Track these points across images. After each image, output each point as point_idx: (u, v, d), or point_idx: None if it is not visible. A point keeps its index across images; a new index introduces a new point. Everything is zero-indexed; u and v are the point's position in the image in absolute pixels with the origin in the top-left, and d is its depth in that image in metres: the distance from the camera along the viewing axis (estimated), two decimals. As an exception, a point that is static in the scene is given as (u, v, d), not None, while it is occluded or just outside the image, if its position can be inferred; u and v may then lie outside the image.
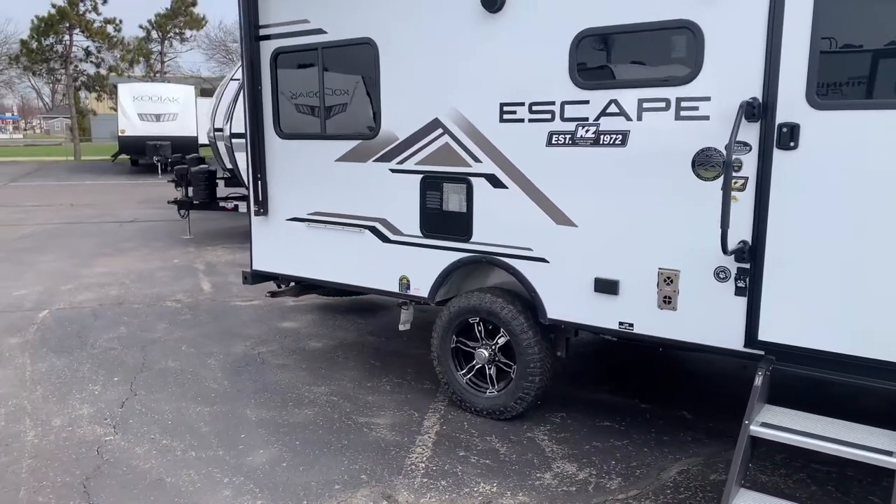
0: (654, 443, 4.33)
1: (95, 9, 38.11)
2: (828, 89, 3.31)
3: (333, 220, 5.27)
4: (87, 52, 39.49)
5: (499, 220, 4.41)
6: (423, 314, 6.04)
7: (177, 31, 42.86)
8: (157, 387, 5.32)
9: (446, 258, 4.68)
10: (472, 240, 4.55)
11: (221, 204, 12.48)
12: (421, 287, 4.86)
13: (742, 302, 3.61)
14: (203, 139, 30.37)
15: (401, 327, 5.55)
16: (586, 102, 3.97)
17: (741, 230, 3.52)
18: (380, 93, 4.85)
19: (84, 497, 3.74)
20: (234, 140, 11.23)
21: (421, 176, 4.72)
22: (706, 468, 4.01)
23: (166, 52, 43.80)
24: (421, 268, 4.83)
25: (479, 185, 4.45)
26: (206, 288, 8.66)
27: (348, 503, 3.67)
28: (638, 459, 4.12)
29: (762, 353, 3.58)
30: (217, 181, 12.59)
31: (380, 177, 4.94)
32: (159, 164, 26.85)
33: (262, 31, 5.42)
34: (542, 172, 4.18)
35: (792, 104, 3.34)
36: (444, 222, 4.66)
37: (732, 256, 3.55)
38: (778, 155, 3.41)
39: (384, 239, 5.01)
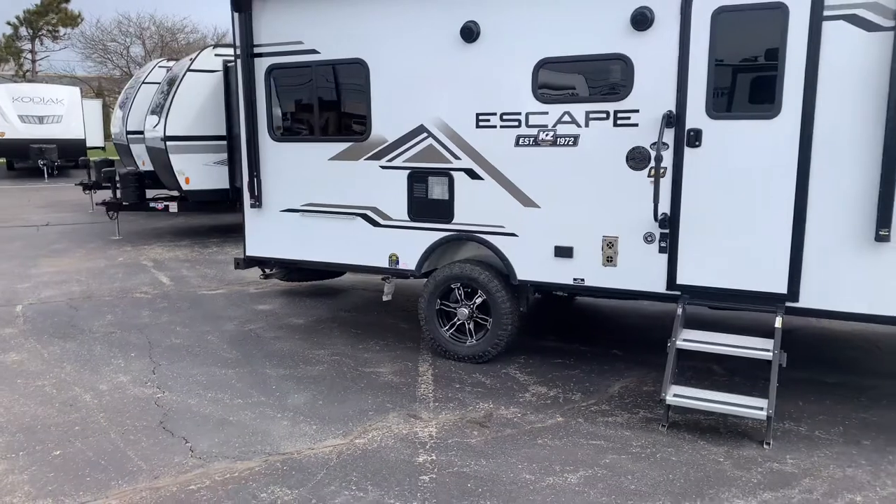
0: (597, 371, 5.69)
1: (-44, 3, 35.65)
2: (717, 104, 4.77)
3: (327, 210, 6.28)
4: (-52, 50, 36.88)
5: (476, 205, 5.62)
6: (379, 293, 7.09)
7: (49, 28, 40.75)
8: (175, 358, 6.11)
9: (431, 237, 5.84)
10: (453, 221, 5.73)
11: (152, 205, 12.85)
12: (409, 262, 5.98)
13: (664, 257, 5.03)
14: (95, 142, 29.46)
15: (384, 298, 6.64)
16: (546, 113, 5.26)
17: (663, 205, 4.93)
18: (370, 103, 5.92)
19: (167, 433, 4.60)
20: (169, 143, 11.69)
21: (408, 171, 5.85)
22: (639, 384, 5.42)
23: (37, 51, 41.50)
24: (409, 246, 5.95)
25: (459, 177, 5.65)
26: (165, 281, 9.26)
27: (384, 422, 4.76)
28: (589, 381, 5.47)
29: (679, 293, 5.01)
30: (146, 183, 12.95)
31: (371, 172, 6.02)
32: (45, 168, 25.87)
33: (257, 50, 6.33)
34: (512, 167, 5.44)
35: (696, 115, 4.78)
36: (429, 208, 5.81)
37: (658, 224, 4.95)
38: (688, 151, 4.84)
39: (374, 224, 6.09)
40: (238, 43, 6.35)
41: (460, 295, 5.87)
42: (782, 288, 4.71)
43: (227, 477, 4.03)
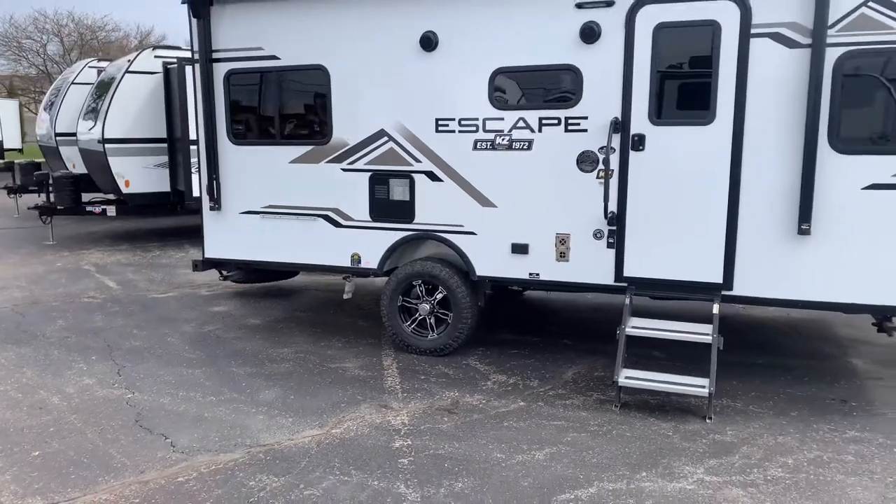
0: (550, 359, 6.09)
1: None
2: (659, 112, 5.23)
3: (288, 212, 6.44)
4: None
5: (436, 206, 5.92)
6: (333, 293, 7.29)
7: (-44, 24, 38.51)
8: (138, 360, 6.15)
9: (393, 237, 6.10)
10: (415, 221, 6.01)
11: (88, 209, 12.55)
12: (371, 261, 6.22)
13: (612, 252, 5.45)
14: (12, 143, 28.15)
15: (345, 296, 6.85)
16: (502, 119, 5.61)
17: (611, 204, 5.36)
18: (331, 108, 6.13)
19: (145, 431, 4.70)
20: (107, 145, 11.49)
21: (370, 173, 6.09)
22: (591, 370, 5.84)
23: (-58, 48, 39.21)
24: (371, 245, 6.19)
25: (420, 179, 5.93)
26: (112, 286, 9.15)
27: (357, 413, 4.99)
28: (544, 369, 5.86)
29: (626, 284, 5.44)
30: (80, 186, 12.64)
31: (332, 175, 6.23)
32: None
33: (216, 55, 6.44)
34: (470, 169, 5.77)
35: (640, 121, 5.22)
36: (390, 209, 6.07)
37: (607, 221, 5.38)
38: (633, 155, 5.28)
39: (336, 224, 6.30)
40: (196, 48, 6.43)
41: (421, 291, 6.15)
42: (718, 278, 5.20)
43: (212, 468, 4.19)
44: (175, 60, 11.36)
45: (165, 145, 12.00)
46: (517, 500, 3.83)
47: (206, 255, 6.91)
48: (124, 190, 11.72)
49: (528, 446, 4.46)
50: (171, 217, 14.02)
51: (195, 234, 12.94)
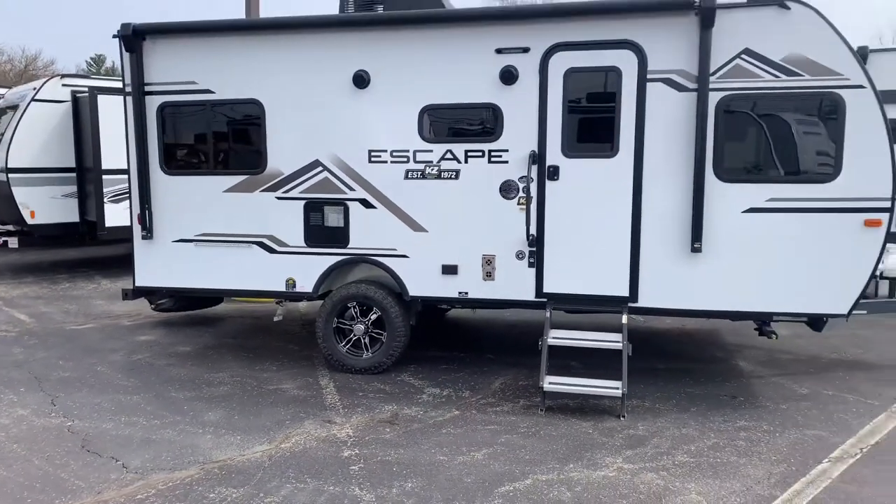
0: (478, 372, 6.56)
1: None
2: (570, 145, 5.88)
3: (222, 239, 6.64)
4: None
5: (370, 231, 6.31)
6: (258, 319, 7.50)
7: None
8: (71, 389, 6.13)
9: (328, 261, 6.43)
10: (349, 246, 6.37)
11: (-12, 240, 12.03)
12: (306, 285, 6.51)
13: (533, 271, 6.02)
14: None
15: (275, 319, 7.09)
16: (431, 151, 6.10)
17: (531, 227, 5.94)
18: (266, 139, 6.42)
19: (94, 455, 4.78)
20: (11, 175, 11.13)
21: (304, 201, 6.41)
22: (515, 380, 6.35)
23: None
24: (306, 270, 6.49)
25: (354, 206, 6.32)
26: (24, 318, 8.90)
27: (302, 428, 5.26)
28: (473, 380, 6.32)
29: (546, 299, 6.02)
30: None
31: (266, 203, 6.50)
32: None
33: (149, 88, 6.60)
34: (402, 197, 6.21)
35: (555, 154, 5.85)
36: (325, 235, 6.40)
37: (528, 243, 5.95)
38: (549, 183, 5.89)
39: (271, 251, 6.56)
40: (129, 81, 6.57)
41: (356, 313, 6.49)
42: (625, 291, 5.87)
43: (170, 485, 4.35)
44: (86, 89, 11.22)
45: (74, 175, 11.76)
46: (463, 494, 4.24)
47: (137, 284, 6.96)
48: (29, 221, 11.36)
49: (466, 448, 4.89)
50: (77, 248, 13.62)
51: (106, 266, 12.73)
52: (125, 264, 12.53)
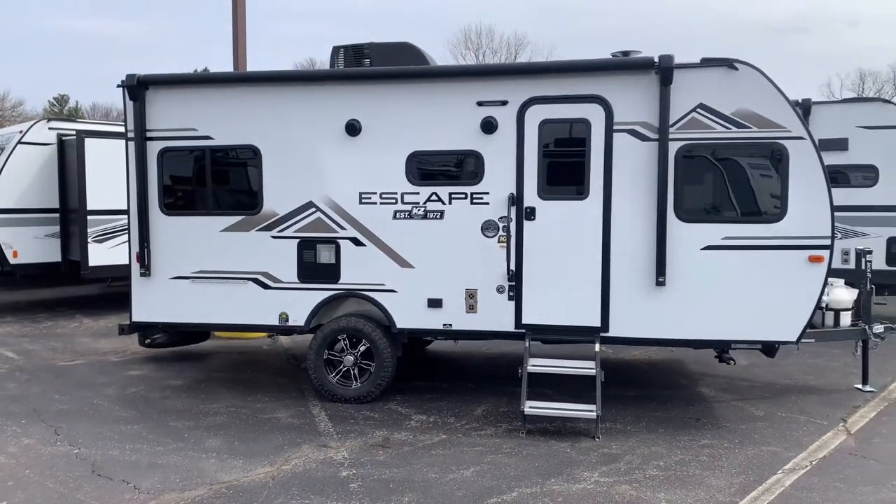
0: (461, 400, 6.98)
1: None
2: (545, 189, 6.45)
3: (218, 276, 7.01)
4: None
5: (360, 267, 6.76)
6: (244, 355, 7.87)
7: None
8: (72, 420, 6.37)
9: (319, 296, 6.84)
10: (340, 282, 6.80)
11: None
12: (298, 319, 6.90)
13: (512, 304, 6.52)
14: None
15: (266, 347, 7.41)
16: (417, 193, 6.62)
17: (511, 263, 6.45)
18: (262, 182, 6.88)
19: (105, 479, 5.06)
20: (-5, 215, 11.33)
21: (298, 240, 6.85)
22: (497, 406, 6.78)
23: None
24: (298, 305, 6.88)
25: (345, 245, 6.77)
26: (12, 356, 9.05)
27: (300, 452, 5.60)
28: (458, 407, 6.74)
29: (524, 330, 6.51)
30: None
31: (262, 242, 6.91)
32: None
33: (150, 134, 7.02)
34: (390, 236, 6.68)
35: (531, 196, 6.41)
36: (317, 271, 6.83)
37: (507, 278, 6.45)
38: (526, 223, 6.44)
39: (265, 287, 6.95)
40: (132, 127, 6.99)
41: (346, 345, 6.89)
42: (597, 322, 6.39)
43: (182, 503, 4.67)
44: (73, 133, 11.55)
45: (57, 215, 11.99)
46: (456, 505, 4.65)
47: (135, 319, 7.25)
48: (12, 260, 11.53)
49: (456, 467, 5.29)
50: (56, 288, 13.74)
51: (86, 305, 12.88)
52: (105, 303, 12.81)
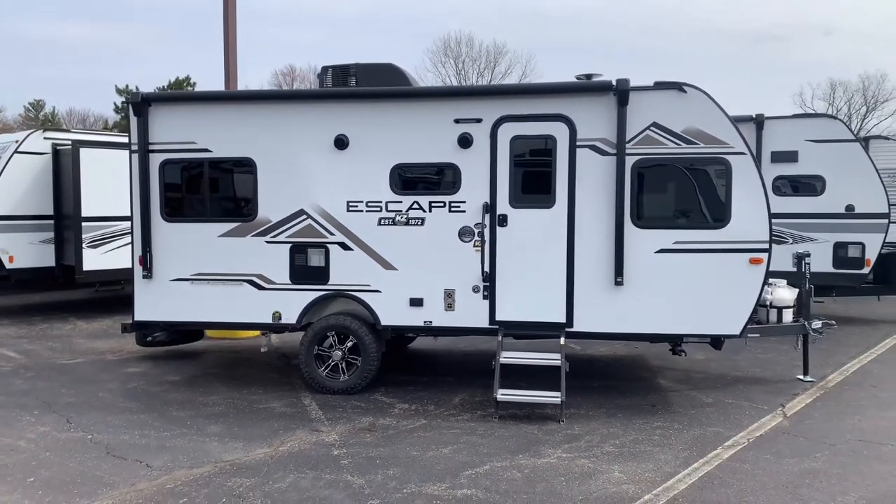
0: (440, 391, 7.62)
1: None
2: (516, 198, 7.13)
3: (216, 278, 7.60)
4: None
5: (348, 270, 7.39)
6: (236, 354, 8.40)
7: None
8: (81, 411, 6.91)
9: (310, 296, 7.46)
10: (329, 283, 7.42)
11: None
12: (290, 318, 7.51)
13: (487, 302, 7.19)
14: None
15: (262, 349, 8.02)
16: (400, 202, 7.27)
17: (485, 266, 7.12)
18: (257, 191, 7.48)
19: (120, 459, 5.63)
20: (-7, 221, 11.77)
21: (290, 245, 7.46)
22: (472, 396, 7.44)
23: None
24: (290, 304, 7.49)
25: (334, 249, 7.40)
26: (14, 355, 9.53)
27: (294, 436, 6.21)
28: (437, 398, 7.38)
29: (498, 326, 7.17)
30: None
31: (256, 246, 7.52)
32: None
33: (153, 147, 7.60)
34: (375, 240, 7.32)
35: (503, 205, 7.09)
36: (308, 273, 7.45)
37: (482, 279, 7.12)
38: (499, 229, 7.12)
39: (259, 287, 7.55)
40: (136, 140, 7.56)
41: (334, 341, 7.50)
42: (562, 318, 7.07)
43: (192, 478, 5.25)
44: (69, 142, 12.05)
45: (51, 221, 12.46)
46: (436, 476, 5.28)
47: (137, 318, 7.80)
48: (8, 265, 11.98)
49: (435, 446, 5.93)
50: (48, 292, 14.16)
51: (79, 308, 13.33)
52: (96, 307, 13.27)
